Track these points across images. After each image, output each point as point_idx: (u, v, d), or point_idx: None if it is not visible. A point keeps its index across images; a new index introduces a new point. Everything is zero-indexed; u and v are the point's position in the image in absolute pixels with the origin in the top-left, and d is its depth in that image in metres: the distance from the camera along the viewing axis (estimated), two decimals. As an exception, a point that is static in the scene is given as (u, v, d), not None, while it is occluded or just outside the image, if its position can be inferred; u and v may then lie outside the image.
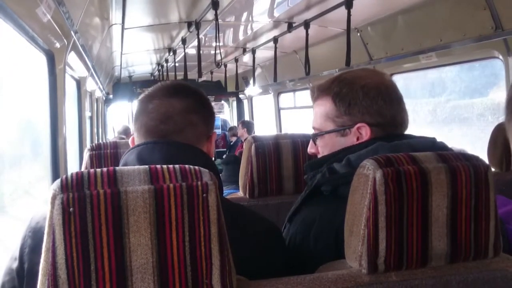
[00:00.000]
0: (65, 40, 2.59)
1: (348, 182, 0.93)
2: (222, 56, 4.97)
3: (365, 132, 1.17)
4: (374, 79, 1.20)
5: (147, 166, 0.78)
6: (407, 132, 1.22)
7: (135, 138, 1.14)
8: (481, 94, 3.58)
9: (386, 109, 1.17)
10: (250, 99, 8.18)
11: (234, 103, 9.01)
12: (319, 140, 1.26)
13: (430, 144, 1.12)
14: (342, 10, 2.84)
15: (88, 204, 0.71)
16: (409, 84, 4.13)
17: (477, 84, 3.54)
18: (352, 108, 1.18)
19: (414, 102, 4.30)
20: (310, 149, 1.31)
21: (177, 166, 0.78)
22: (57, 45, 2.59)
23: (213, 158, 1.22)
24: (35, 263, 0.77)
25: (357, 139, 1.19)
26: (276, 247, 1.07)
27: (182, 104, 1.11)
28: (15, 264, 1.01)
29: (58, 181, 0.73)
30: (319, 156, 1.27)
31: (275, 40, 4.12)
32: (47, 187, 2.89)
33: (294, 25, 3.65)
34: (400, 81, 3.81)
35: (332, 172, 1.13)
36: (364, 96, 1.17)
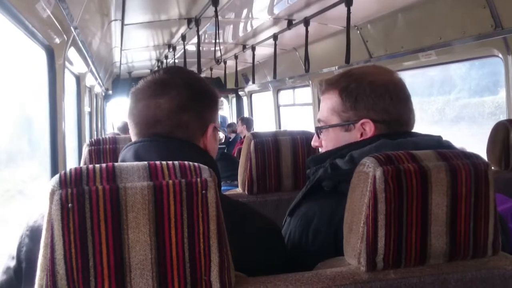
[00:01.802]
0: (64, 35, 2.59)
1: (349, 179, 0.93)
2: (222, 53, 4.96)
3: (369, 128, 1.17)
4: (383, 76, 1.20)
5: (146, 162, 0.78)
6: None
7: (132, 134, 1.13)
8: (491, 92, 3.52)
9: (392, 107, 1.16)
10: (249, 96, 8.18)
11: (234, 100, 9.01)
12: (323, 133, 1.26)
13: (435, 143, 1.11)
14: (342, 8, 2.84)
15: (87, 200, 0.71)
16: (415, 81, 4.03)
17: (487, 82, 3.47)
18: (358, 103, 1.18)
19: (421, 100, 4.20)
20: (314, 142, 1.31)
21: (176, 162, 0.78)
22: (57, 40, 2.59)
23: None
24: (33, 261, 0.77)
25: (361, 135, 1.18)
26: (275, 244, 1.07)
27: (170, 104, 1.05)
28: (12, 263, 1.00)
29: (56, 177, 0.73)
30: (322, 149, 1.27)
31: (274, 37, 4.12)
32: (43, 186, 2.83)
33: (294, 22, 3.64)
34: (407, 78, 3.76)
35: (334, 168, 1.13)
36: (371, 93, 1.17)
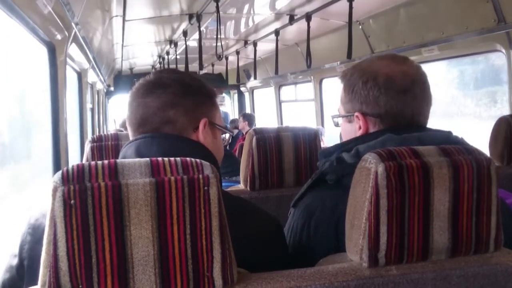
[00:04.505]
0: (66, 32, 2.59)
1: (354, 173, 0.93)
2: (224, 48, 4.96)
3: (362, 122, 1.18)
4: (376, 68, 1.18)
5: (148, 158, 0.78)
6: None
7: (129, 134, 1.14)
8: None
9: (381, 99, 1.15)
10: (251, 91, 8.17)
11: (235, 96, 9.00)
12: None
13: (442, 139, 1.10)
14: (344, 3, 2.83)
15: (89, 197, 0.71)
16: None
17: None
18: (354, 95, 1.19)
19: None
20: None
21: (178, 159, 0.78)
22: (58, 37, 2.59)
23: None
24: (36, 259, 0.77)
25: (360, 127, 1.19)
26: (276, 240, 1.07)
27: (157, 102, 1.06)
28: (15, 261, 1.00)
29: (59, 173, 0.73)
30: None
31: (276, 32, 4.11)
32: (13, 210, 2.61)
33: (295, 17, 3.63)
34: (497, 60, 3.33)
35: (340, 161, 1.14)
36: (363, 85, 1.17)
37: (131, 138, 1.10)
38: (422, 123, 1.18)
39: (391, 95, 1.15)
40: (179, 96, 1.08)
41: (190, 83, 1.12)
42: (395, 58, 1.22)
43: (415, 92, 1.15)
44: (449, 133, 1.14)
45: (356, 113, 1.18)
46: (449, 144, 0.96)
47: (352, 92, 1.19)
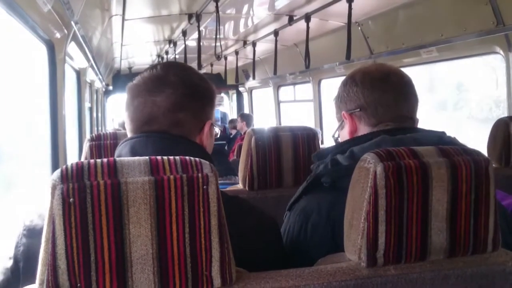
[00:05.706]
0: (65, 30, 2.59)
1: (349, 175, 0.93)
2: (223, 48, 4.95)
3: (349, 120, 1.22)
4: (358, 70, 1.25)
5: (147, 157, 0.78)
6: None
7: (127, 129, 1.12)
8: None
9: (360, 92, 1.21)
10: (250, 92, 8.17)
11: (234, 96, 9.00)
12: None
13: (436, 139, 1.11)
14: (343, 4, 2.84)
15: (88, 195, 0.71)
16: None
17: None
18: (339, 100, 1.27)
19: None
20: None
21: (177, 157, 0.78)
22: (58, 35, 2.58)
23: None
24: (32, 260, 0.76)
25: (349, 130, 1.22)
26: (274, 240, 1.07)
27: (167, 102, 1.04)
28: (10, 263, 1.00)
29: (58, 171, 0.73)
30: None
31: (275, 33, 4.11)
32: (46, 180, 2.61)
33: (295, 18, 3.64)
34: None
35: (334, 163, 1.14)
36: (343, 87, 1.25)
37: (129, 134, 1.08)
38: (407, 114, 1.20)
39: (368, 86, 1.20)
40: (188, 99, 1.07)
41: (199, 83, 1.11)
42: (376, 63, 1.32)
43: (391, 80, 1.21)
44: (443, 133, 1.15)
45: (342, 112, 1.24)
46: (443, 144, 0.97)
47: (338, 98, 1.27)
